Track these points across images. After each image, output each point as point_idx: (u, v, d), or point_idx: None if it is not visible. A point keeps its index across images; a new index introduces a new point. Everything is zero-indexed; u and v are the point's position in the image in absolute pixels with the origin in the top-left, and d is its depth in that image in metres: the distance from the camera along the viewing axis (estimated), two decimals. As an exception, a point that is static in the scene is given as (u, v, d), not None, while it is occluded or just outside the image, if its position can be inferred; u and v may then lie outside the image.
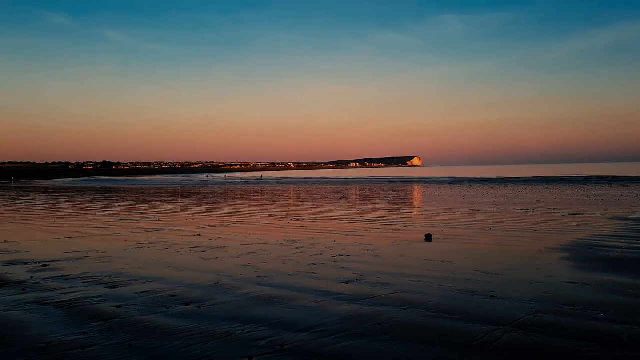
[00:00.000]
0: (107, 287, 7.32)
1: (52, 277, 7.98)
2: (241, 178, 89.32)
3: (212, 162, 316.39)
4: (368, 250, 10.44)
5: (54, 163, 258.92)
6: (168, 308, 6.22)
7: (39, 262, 9.24)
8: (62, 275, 8.13)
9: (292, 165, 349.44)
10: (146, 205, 24.82)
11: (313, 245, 11.24)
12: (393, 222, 16.06)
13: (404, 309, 6.12)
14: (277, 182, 62.65)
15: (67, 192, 40.25)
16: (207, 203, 26.57)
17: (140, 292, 7.01)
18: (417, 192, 37.08)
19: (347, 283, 7.52)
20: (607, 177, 60.65)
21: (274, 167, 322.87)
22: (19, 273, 8.32)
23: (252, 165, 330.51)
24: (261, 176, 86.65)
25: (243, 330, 5.37)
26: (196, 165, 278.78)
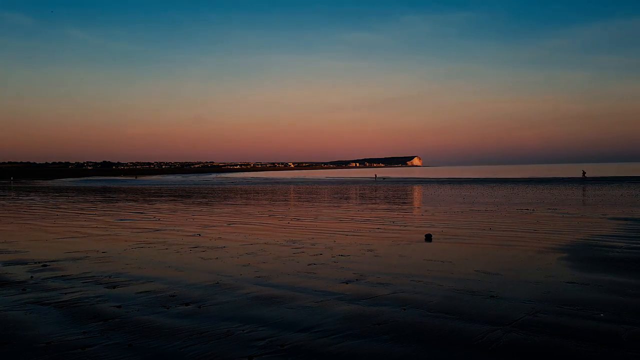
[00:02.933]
0: (107, 287, 7.32)
1: (52, 277, 7.97)
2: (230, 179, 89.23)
3: (212, 162, 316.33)
4: (368, 250, 10.44)
5: (54, 163, 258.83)
6: (168, 308, 6.22)
7: (39, 262, 9.24)
8: (62, 275, 8.12)
9: (292, 165, 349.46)
10: (146, 205, 24.82)
11: (313, 245, 11.24)
12: (393, 222, 16.06)
13: (404, 309, 6.12)
14: (305, 182, 62.60)
15: (67, 192, 40.25)
16: (207, 203, 26.57)
17: (140, 292, 7.01)
18: (417, 192, 37.07)
19: (347, 283, 7.52)
20: (607, 177, 60.67)
21: (274, 167, 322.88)
22: (19, 273, 8.32)
23: (252, 165, 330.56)
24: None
25: (243, 330, 5.37)
26: (196, 165, 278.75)
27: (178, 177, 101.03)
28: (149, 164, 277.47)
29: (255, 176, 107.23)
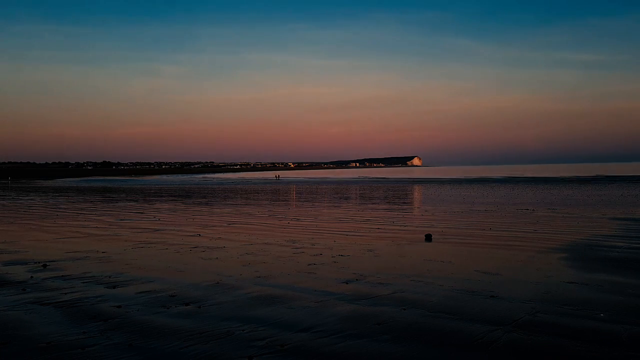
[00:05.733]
0: (107, 287, 7.32)
1: (52, 277, 7.98)
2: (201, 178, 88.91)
3: (212, 162, 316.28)
4: (368, 251, 10.44)
5: (54, 163, 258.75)
6: (168, 308, 6.22)
7: (39, 262, 9.24)
8: (62, 275, 8.13)
9: (292, 165, 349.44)
10: (146, 205, 24.82)
11: (313, 245, 11.24)
12: (393, 222, 16.06)
13: (404, 309, 6.12)
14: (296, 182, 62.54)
15: (67, 192, 40.25)
16: (207, 203, 26.57)
17: (140, 292, 7.01)
18: (417, 192, 37.07)
19: (347, 283, 7.52)
20: (608, 177, 60.72)
21: (274, 167, 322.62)
22: (19, 273, 8.32)
23: (252, 164, 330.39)
24: (277, 176, 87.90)
25: (243, 330, 5.37)
26: (196, 166, 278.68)
27: (177, 178, 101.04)
28: (149, 164, 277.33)
29: (254, 176, 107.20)
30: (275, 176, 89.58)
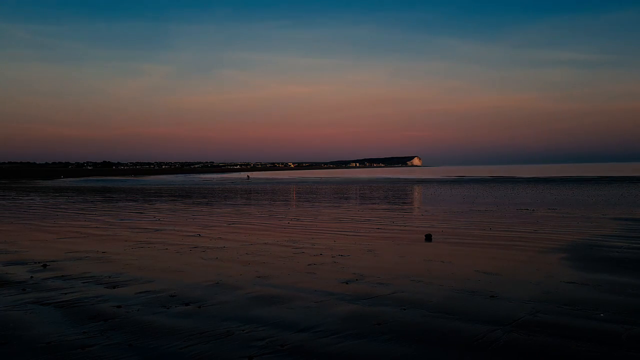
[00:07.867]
0: (107, 287, 7.32)
1: (52, 277, 7.98)
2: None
3: (212, 162, 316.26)
4: (368, 251, 10.44)
5: (54, 163, 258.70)
6: (168, 308, 6.23)
7: (39, 262, 9.24)
8: (62, 275, 8.13)
9: (292, 165, 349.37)
10: (146, 205, 24.82)
11: (313, 245, 11.24)
12: (393, 222, 16.06)
13: (404, 309, 6.12)
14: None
15: (67, 192, 40.25)
16: (207, 203, 26.57)
17: (140, 292, 7.01)
18: (417, 192, 37.07)
19: (347, 283, 7.52)
20: (608, 177, 60.74)
21: (273, 167, 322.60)
22: (19, 273, 8.32)
23: (252, 165, 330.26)
24: (247, 176, 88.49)
25: (243, 330, 5.38)
26: (196, 166, 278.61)
27: (176, 177, 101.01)
28: (149, 164, 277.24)
29: (253, 176, 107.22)
30: (246, 176, 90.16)
